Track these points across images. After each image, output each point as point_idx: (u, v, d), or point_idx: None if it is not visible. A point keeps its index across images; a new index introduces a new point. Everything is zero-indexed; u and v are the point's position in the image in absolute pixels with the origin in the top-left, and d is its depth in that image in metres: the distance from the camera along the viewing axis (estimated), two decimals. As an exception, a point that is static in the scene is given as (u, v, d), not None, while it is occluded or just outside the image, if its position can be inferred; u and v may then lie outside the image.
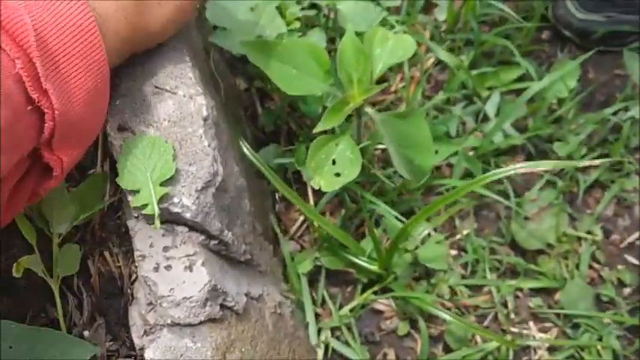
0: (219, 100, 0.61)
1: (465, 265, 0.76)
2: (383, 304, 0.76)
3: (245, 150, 0.62)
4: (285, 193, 0.64)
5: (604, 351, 0.72)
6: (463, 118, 0.79)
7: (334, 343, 0.70)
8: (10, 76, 0.33)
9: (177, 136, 0.49)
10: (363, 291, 0.74)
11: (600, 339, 0.72)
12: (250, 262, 0.59)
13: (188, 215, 0.47)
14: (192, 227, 0.49)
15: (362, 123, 0.68)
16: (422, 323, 0.70)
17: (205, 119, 0.50)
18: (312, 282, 0.75)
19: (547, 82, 0.76)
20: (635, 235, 0.78)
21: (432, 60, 0.87)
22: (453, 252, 0.78)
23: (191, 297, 0.47)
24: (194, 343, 0.47)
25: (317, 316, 0.74)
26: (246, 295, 0.56)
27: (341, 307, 0.74)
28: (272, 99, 0.84)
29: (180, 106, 0.50)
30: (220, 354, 0.48)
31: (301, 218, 0.79)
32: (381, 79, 0.86)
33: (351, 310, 0.73)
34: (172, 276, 0.48)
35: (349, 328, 0.73)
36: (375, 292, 0.73)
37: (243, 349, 0.52)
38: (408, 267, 0.72)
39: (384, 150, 0.79)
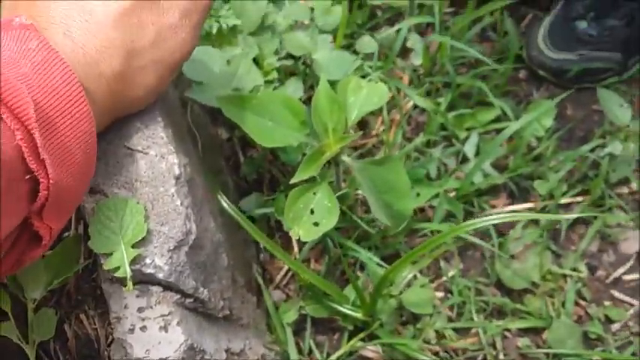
0: (195, 155, 0.62)
1: (451, 308, 0.76)
2: (371, 350, 0.75)
3: (223, 204, 0.62)
4: (267, 245, 0.64)
5: (595, 390, 0.71)
6: (443, 159, 0.79)
7: (321, 393, 0.69)
8: (11, 146, 0.34)
9: (149, 197, 0.49)
10: (350, 338, 0.73)
11: (590, 378, 0.71)
12: (230, 317, 0.58)
13: (161, 275, 0.47)
14: (167, 287, 0.49)
15: (340, 171, 0.68)
16: (408, 371, 0.70)
17: (177, 178, 0.50)
18: (298, 331, 0.74)
19: (524, 122, 0.77)
20: (621, 270, 0.78)
21: (411, 103, 0.88)
22: (439, 294, 0.77)
23: (167, 358, 0.47)
24: (171, 405, 0.47)
25: (305, 364, 0.73)
26: (226, 351, 0.55)
27: (328, 355, 0.74)
28: (254, 147, 0.85)
29: (151, 165, 0.50)
30: (199, 415, 0.48)
31: (286, 267, 0.79)
32: (362, 123, 0.88)
33: (338, 359, 0.73)
34: (148, 337, 0.48)
35: (336, 377, 0.72)
36: (362, 340, 0.73)
37: (223, 407, 0.51)
38: (393, 312, 0.72)
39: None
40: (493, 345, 0.74)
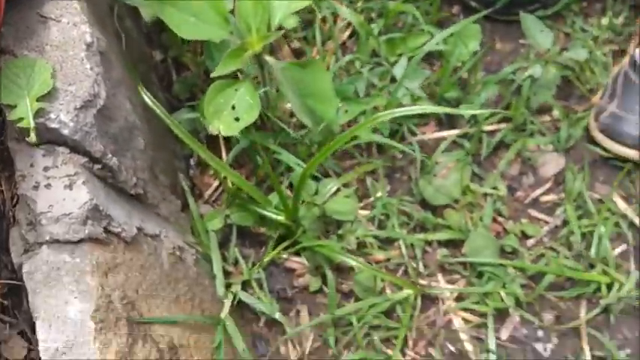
0: (116, 45, 0.62)
1: (374, 221, 0.78)
2: (295, 262, 0.77)
3: (144, 96, 0.63)
4: (188, 142, 0.65)
5: (507, 297, 0.74)
6: (371, 79, 0.81)
7: (242, 295, 0.70)
8: None
9: (59, 59, 0.50)
10: (275, 249, 0.75)
11: (504, 286, 0.74)
12: (144, 200, 0.59)
13: (66, 132, 0.48)
14: (74, 148, 0.50)
15: (266, 71, 0.70)
16: (329, 273, 0.71)
17: (89, 45, 0.51)
18: (224, 243, 0.75)
19: (450, 46, 0.80)
20: (539, 192, 0.81)
21: (347, 33, 0.90)
22: (365, 212, 0.79)
23: (70, 213, 0.48)
24: (72, 258, 0.47)
25: (228, 273, 0.74)
26: (139, 229, 0.56)
27: (253, 265, 0.75)
28: (188, 69, 0.85)
29: (63, 32, 0.51)
30: (102, 272, 0.49)
31: (215, 183, 0.80)
32: (298, 52, 0.90)
33: (262, 268, 0.74)
34: (52, 194, 0.48)
35: (260, 284, 0.74)
36: (286, 248, 0.74)
37: (129, 274, 0.52)
38: (316, 220, 0.73)
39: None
40: (414, 257, 0.77)
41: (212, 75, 0.63)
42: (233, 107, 0.65)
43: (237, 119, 0.64)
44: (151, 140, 0.63)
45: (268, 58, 0.66)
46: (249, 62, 0.69)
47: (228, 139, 0.77)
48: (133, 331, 0.48)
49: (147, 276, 0.54)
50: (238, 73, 0.72)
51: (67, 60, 0.50)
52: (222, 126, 0.64)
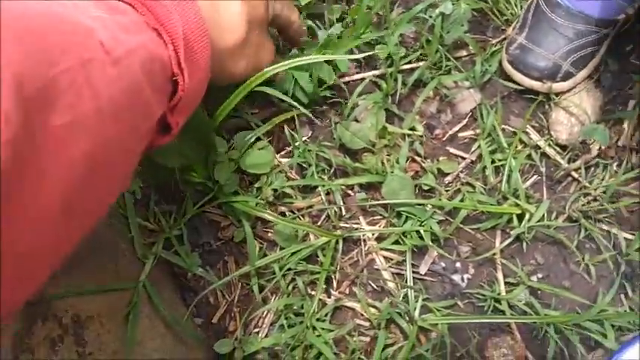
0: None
1: (295, 170, 0.79)
2: (218, 214, 0.78)
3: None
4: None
5: (425, 234, 0.76)
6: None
7: (163, 253, 0.72)
8: (166, 55, 0.47)
9: None
10: (195, 205, 0.76)
11: (422, 224, 0.77)
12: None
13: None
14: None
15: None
16: (247, 226, 0.73)
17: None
18: (146, 203, 0.76)
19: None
20: (456, 128, 0.83)
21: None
22: (285, 160, 0.80)
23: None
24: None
25: (151, 232, 0.75)
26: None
27: (175, 221, 0.76)
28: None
29: None
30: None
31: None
32: None
33: (184, 224, 0.75)
34: None
35: (181, 240, 0.75)
36: (203, 205, 0.75)
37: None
38: (232, 175, 0.74)
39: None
40: (335, 203, 0.78)
41: None
42: None
43: None
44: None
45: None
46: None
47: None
48: (32, 311, 0.49)
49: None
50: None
51: None
52: None
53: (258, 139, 0.76)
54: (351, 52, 0.82)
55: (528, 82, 0.78)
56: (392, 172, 0.77)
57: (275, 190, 0.76)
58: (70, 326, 0.51)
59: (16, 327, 0.45)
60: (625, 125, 0.81)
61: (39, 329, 0.48)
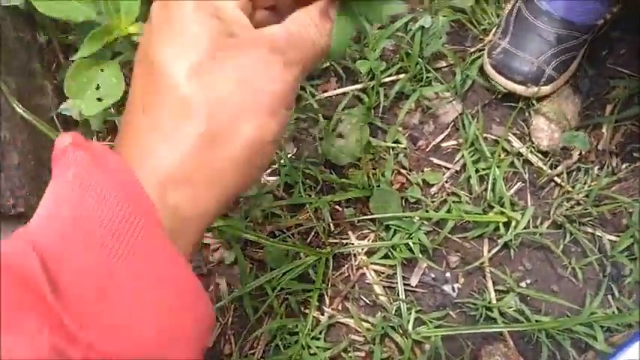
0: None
1: (282, 189, 0.79)
2: (207, 237, 0.78)
3: (14, 105, 0.61)
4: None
5: (414, 246, 0.77)
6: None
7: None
8: None
9: None
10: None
11: (410, 236, 0.77)
12: (30, 216, 0.58)
13: None
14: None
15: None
16: (237, 247, 0.73)
17: None
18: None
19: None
20: (439, 139, 0.84)
21: None
22: (272, 178, 0.80)
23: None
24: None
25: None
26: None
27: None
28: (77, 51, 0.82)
29: None
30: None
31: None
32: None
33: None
34: None
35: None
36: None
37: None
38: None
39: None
40: (323, 219, 0.79)
41: (72, 58, 0.60)
42: (97, 87, 0.63)
43: (99, 99, 0.63)
44: (31, 146, 0.62)
45: (138, 38, 0.64)
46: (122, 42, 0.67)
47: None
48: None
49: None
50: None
51: None
52: (83, 105, 0.62)
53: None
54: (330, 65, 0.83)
55: (511, 86, 0.80)
56: (378, 187, 0.78)
57: (263, 211, 0.76)
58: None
59: None
60: (604, 130, 0.83)
61: None
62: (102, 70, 0.61)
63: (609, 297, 0.77)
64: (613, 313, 0.75)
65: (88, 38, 0.59)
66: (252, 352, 0.75)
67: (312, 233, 0.79)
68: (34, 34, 0.81)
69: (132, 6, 0.63)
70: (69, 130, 0.73)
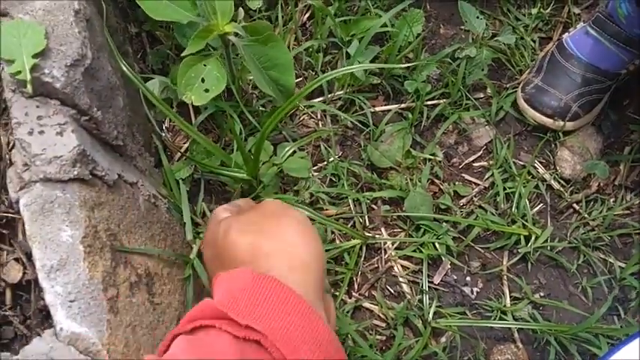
0: (97, 15, 0.70)
1: (326, 180, 0.88)
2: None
3: (121, 64, 0.71)
4: (161, 107, 0.74)
5: (440, 247, 0.85)
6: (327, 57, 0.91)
7: (208, 241, 0.79)
8: None
9: (51, 23, 0.58)
10: (238, 202, 0.84)
11: (438, 237, 0.85)
12: (124, 152, 0.68)
13: (58, 85, 0.56)
14: (64, 101, 0.58)
15: (229, 49, 0.78)
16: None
17: (77, 12, 0.59)
18: (193, 199, 0.84)
19: (397, 28, 0.90)
20: (471, 159, 0.93)
21: (307, 15, 0.99)
22: (318, 173, 0.89)
23: (61, 156, 0.56)
24: (63, 194, 0.56)
25: (196, 224, 0.83)
26: (119, 175, 0.64)
27: (218, 217, 0.84)
28: (161, 42, 0.93)
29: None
30: (88, 207, 0.57)
31: (185, 146, 0.89)
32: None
33: (226, 219, 0.83)
34: (45, 139, 0.56)
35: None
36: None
37: (111, 211, 0.60)
38: (274, 177, 0.83)
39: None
40: (361, 212, 0.87)
41: (182, 54, 0.71)
42: (203, 80, 0.73)
43: (206, 90, 0.73)
44: (128, 102, 0.72)
45: (232, 37, 0.75)
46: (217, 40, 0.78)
47: (197, 109, 0.86)
48: (116, 257, 0.57)
49: (127, 215, 0.63)
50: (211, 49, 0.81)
51: (58, 24, 0.58)
52: (193, 97, 0.73)
53: (296, 151, 0.86)
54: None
55: (540, 118, 0.89)
56: (414, 189, 0.87)
57: (311, 195, 0.84)
58: (143, 276, 0.58)
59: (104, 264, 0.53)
60: (621, 167, 0.91)
61: (121, 272, 0.55)
62: (205, 66, 0.72)
63: (615, 317, 0.84)
64: (620, 327, 0.81)
65: (194, 37, 0.71)
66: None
67: (350, 224, 0.87)
68: (127, 25, 0.92)
69: (225, 6, 0.74)
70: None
